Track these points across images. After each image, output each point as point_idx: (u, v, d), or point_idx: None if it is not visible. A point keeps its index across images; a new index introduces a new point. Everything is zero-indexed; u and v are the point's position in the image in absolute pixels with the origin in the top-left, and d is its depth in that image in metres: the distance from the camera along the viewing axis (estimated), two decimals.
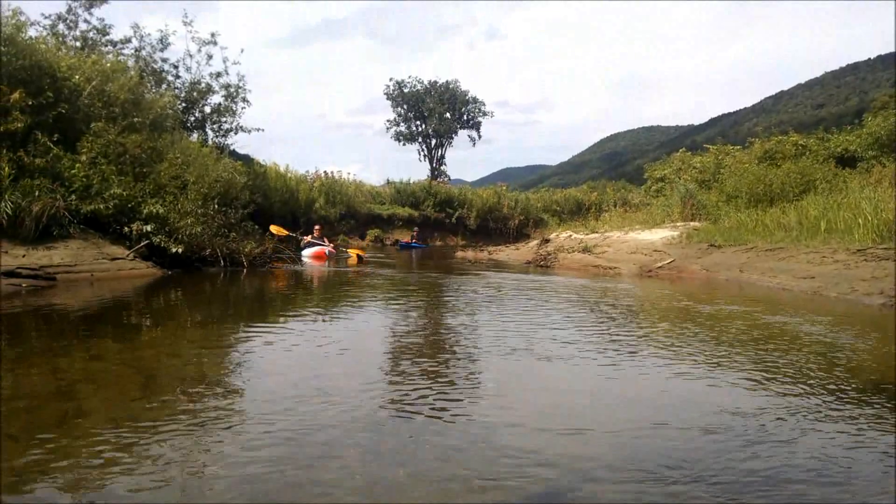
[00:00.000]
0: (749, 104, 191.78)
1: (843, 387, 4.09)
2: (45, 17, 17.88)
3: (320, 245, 17.71)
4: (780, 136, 23.30)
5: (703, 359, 4.91)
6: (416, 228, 29.59)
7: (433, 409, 3.58)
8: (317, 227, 19.86)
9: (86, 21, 18.30)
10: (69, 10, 18.11)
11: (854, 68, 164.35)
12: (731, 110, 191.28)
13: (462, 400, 3.79)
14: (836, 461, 2.90)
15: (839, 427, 3.35)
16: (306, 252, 16.86)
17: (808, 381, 4.22)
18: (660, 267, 12.64)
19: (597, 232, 18.76)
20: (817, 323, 6.54)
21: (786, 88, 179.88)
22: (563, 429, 3.36)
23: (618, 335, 5.99)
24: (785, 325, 6.39)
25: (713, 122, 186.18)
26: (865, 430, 3.31)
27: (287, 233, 18.19)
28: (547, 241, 19.17)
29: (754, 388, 4.10)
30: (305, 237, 18.62)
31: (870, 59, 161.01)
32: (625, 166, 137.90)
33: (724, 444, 3.10)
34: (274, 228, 17.83)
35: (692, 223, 17.00)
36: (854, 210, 11.82)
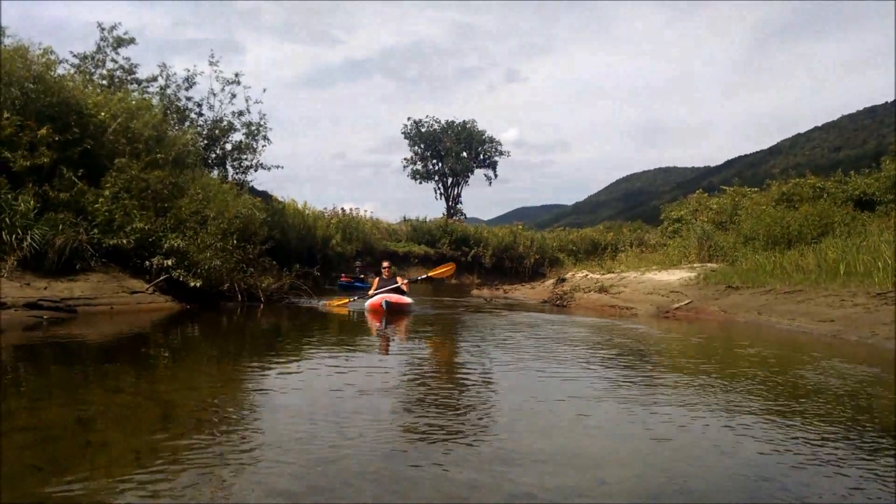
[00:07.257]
0: (765, 146, 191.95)
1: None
2: (74, 56, 18.39)
3: (389, 288, 12.87)
4: (797, 178, 23.23)
5: (708, 394, 4.86)
6: (358, 262, 22.76)
7: (447, 447, 3.57)
8: (385, 263, 14.34)
9: (113, 60, 18.78)
10: (98, 50, 18.60)
11: (871, 112, 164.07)
12: (748, 152, 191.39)
13: (476, 438, 3.77)
14: None
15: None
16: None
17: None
18: (677, 308, 12.56)
19: (613, 272, 18.70)
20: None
21: (802, 131, 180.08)
22: (573, 465, 3.34)
23: (647, 380, 5.95)
24: (831, 377, 6.31)
25: (729, 163, 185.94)
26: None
27: (347, 300, 13.59)
28: (563, 280, 19.16)
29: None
30: (374, 279, 14.01)
31: (887, 102, 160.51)
32: (641, 207, 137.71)
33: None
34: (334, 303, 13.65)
35: (709, 264, 16.92)
36: (873, 253, 11.71)
